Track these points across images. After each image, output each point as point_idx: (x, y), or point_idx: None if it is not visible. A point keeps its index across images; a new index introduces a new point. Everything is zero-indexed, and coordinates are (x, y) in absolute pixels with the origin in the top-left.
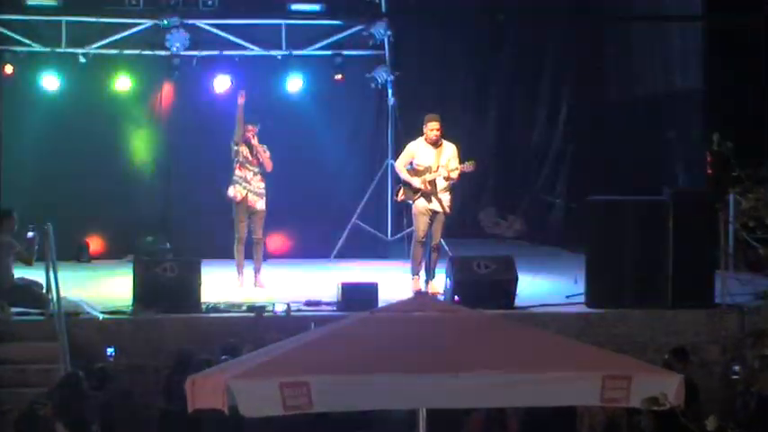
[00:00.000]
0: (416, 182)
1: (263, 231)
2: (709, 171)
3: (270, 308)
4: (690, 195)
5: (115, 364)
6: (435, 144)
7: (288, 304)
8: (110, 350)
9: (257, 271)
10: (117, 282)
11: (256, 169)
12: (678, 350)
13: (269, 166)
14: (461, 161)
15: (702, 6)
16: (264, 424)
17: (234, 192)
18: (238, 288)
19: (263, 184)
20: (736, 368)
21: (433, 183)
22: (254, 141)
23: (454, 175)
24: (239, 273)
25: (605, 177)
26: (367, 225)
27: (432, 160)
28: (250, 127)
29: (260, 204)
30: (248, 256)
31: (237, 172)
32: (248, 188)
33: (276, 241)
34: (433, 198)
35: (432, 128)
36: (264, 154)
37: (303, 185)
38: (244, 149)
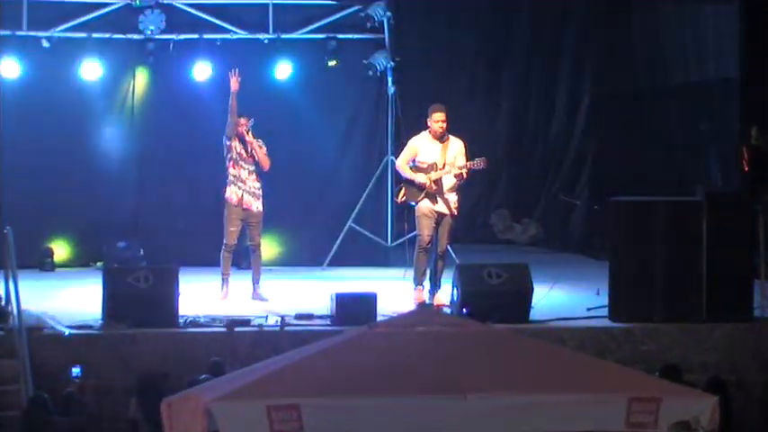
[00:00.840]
0: (421, 179)
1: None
2: (746, 168)
3: (254, 321)
4: (726, 196)
5: (82, 386)
6: (441, 139)
7: (282, 317)
8: (75, 370)
9: (256, 281)
10: (84, 292)
11: (252, 167)
12: (713, 380)
13: (265, 163)
14: (470, 158)
15: None
16: None
17: (229, 192)
18: (221, 300)
19: (259, 184)
20: None
21: (438, 182)
22: (249, 137)
23: (462, 173)
24: (224, 283)
25: (631, 176)
26: (364, 229)
27: (437, 156)
28: (243, 120)
29: (256, 206)
30: (234, 263)
31: (231, 170)
32: (243, 188)
33: (262, 247)
34: (439, 199)
35: (437, 120)
36: (260, 150)
37: (293, 185)
38: (237, 145)
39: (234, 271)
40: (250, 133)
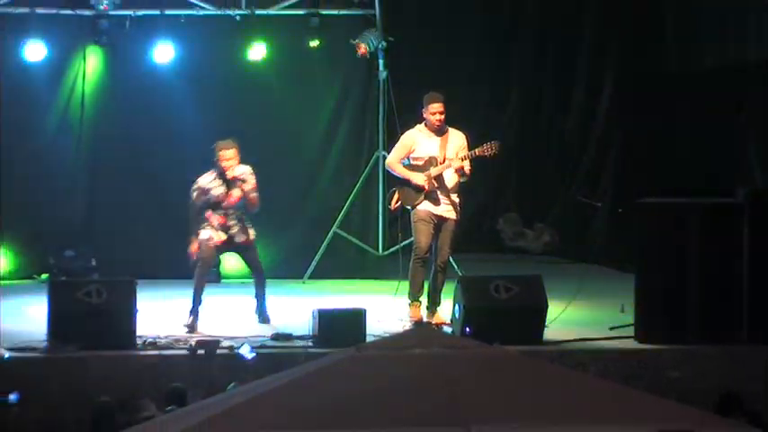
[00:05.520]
0: (418, 178)
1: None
2: None
3: (223, 343)
4: None
5: (21, 415)
6: (439, 132)
7: (251, 347)
8: (12, 396)
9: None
10: (28, 309)
11: (231, 210)
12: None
13: (253, 204)
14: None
15: None
16: None
17: (208, 235)
18: (185, 323)
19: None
20: None
21: (440, 179)
22: (233, 172)
23: (467, 165)
24: (195, 303)
25: (661, 173)
26: (351, 236)
27: (436, 151)
28: (226, 154)
29: (252, 235)
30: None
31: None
32: (230, 231)
33: (232, 257)
34: (441, 200)
35: (434, 111)
36: (248, 190)
37: (269, 185)
38: (216, 190)
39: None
40: (233, 168)
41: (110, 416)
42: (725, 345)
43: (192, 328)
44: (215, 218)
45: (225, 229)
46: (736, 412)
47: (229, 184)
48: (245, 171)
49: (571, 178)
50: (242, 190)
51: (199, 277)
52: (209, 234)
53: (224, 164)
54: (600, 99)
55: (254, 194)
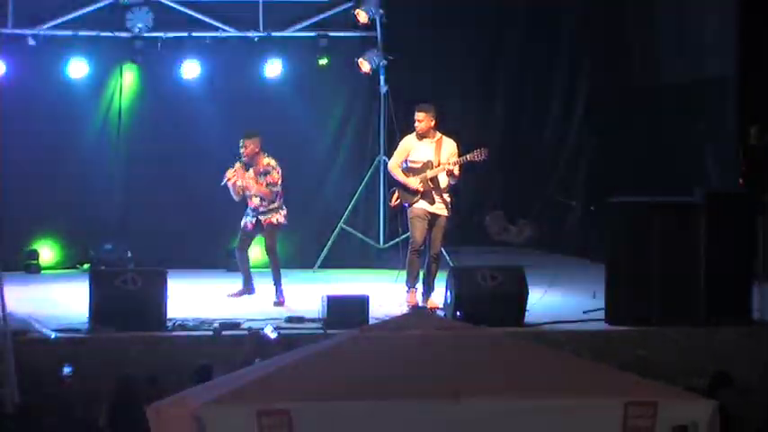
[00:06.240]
0: (414, 183)
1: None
2: (744, 168)
3: (243, 325)
4: (724, 197)
5: (68, 390)
6: (429, 138)
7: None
8: (66, 369)
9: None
10: (71, 295)
11: (258, 195)
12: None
13: (266, 195)
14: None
15: None
16: None
17: (243, 222)
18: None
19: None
20: None
21: (434, 180)
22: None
23: (456, 169)
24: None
25: (628, 176)
26: (356, 230)
27: (430, 155)
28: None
29: (276, 219)
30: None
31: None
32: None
33: (251, 248)
34: (435, 199)
35: (415, 119)
36: (259, 183)
37: (283, 185)
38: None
39: (222, 273)
40: (239, 170)
41: (131, 387)
42: (684, 327)
43: (239, 294)
44: (249, 203)
45: (255, 213)
46: (727, 387)
47: (255, 173)
48: (269, 163)
49: (549, 180)
50: (255, 180)
51: (239, 261)
52: (244, 221)
53: (240, 150)
54: (574, 111)
55: (265, 189)
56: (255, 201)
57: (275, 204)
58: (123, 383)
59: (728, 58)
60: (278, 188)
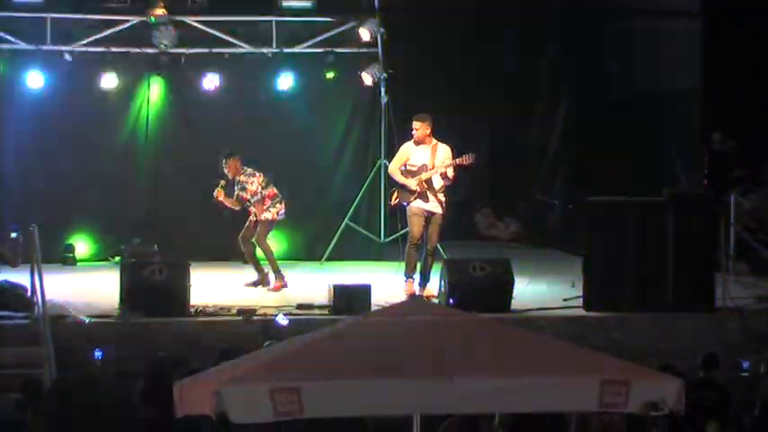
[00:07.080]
0: (412, 184)
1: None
2: (706, 170)
3: (259, 311)
4: (689, 197)
5: (102, 371)
6: (426, 144)
7: (284, 314)
8: (98, 353)
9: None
10: (103, 284)
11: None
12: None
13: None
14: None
15: (700, 2)
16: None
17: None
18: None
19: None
20: (745, 372)
21: (429, 182)
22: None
23: (450, 172)
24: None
25: (604, 178)
26: (359, 226)
27: (426, 159)
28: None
29: (264, 216)
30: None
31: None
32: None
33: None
34: (430, 198)
35: (413, 127)
36: (244, 198)
37: (293, 185)
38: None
39: (239, 264)
40: (221, 193)
41: (161, 367)
42: (655, 312)
43: (255, 284)
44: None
45: (255, 215)
46: (717, 368)
47: (239, 190)
48: (246, 180)
49: (533, 181)
50: (238, 197)
51: (246, 255)
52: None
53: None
54: (555, 121)
55: (248, 204)
56: (251, 209)
57: (266, 205)
58: (154, 364)
59: (695, 72)
60: (259, 196)
